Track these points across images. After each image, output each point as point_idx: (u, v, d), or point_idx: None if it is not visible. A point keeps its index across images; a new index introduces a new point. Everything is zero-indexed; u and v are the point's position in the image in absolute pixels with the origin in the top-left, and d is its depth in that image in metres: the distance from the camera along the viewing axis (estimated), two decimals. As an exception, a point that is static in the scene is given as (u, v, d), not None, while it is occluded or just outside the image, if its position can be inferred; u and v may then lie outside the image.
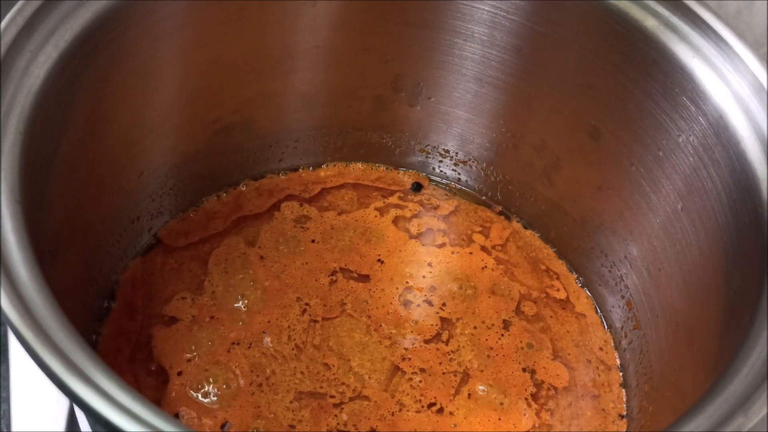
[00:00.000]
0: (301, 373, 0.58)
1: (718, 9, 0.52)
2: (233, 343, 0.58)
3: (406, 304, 0.62)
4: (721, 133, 0.50)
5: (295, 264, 0.63)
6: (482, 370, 0.59)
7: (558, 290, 0.65)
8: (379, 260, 0.64)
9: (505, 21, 0.59)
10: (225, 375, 0.57)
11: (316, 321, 0.60)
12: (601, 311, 0.64)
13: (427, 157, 0.70)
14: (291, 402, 0.56)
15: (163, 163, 0.62)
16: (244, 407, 0.56)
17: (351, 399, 0.57)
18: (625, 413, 0.60)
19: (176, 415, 0.55)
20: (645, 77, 0.54)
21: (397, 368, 0.59)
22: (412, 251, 0.65)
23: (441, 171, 0.71)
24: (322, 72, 0.64)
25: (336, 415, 0.56)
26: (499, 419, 0.58)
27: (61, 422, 0.57)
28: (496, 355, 0.60)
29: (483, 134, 0.67)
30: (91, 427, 0.54)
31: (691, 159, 0.53)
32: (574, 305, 0.64)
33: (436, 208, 0.69)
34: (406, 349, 0.60)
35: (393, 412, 0.57)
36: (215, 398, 0.56)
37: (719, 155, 0.51)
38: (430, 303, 0.63)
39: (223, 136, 0.65)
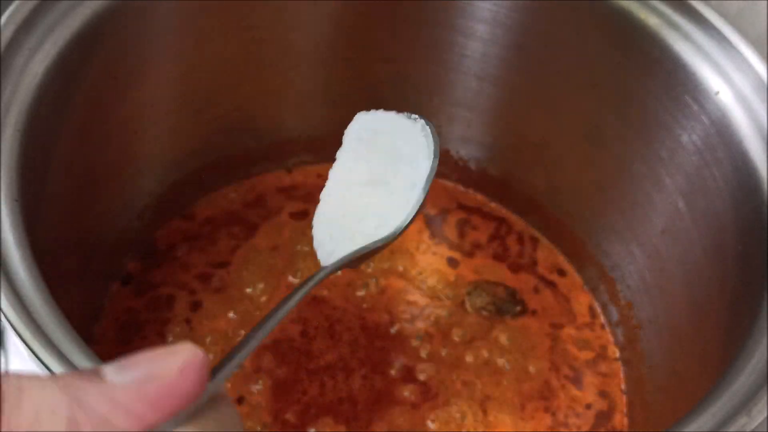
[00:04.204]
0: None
1: (721, 7, 0.52)
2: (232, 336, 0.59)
3: (402, 303, 0.62)
4: (723, 132, 0.50)
5: (295, 262, 0.63)
6: (484, 362, 0.59)
7: (558, 290, 0.65)
8: (379, 256, 0.64)
9: (506, 19, 0.58)
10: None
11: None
12: (602, 311, 0.64)
13: (427, 156, 0.70)
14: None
15: (162, 161, 0.62)
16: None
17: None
18: (625, 413, 0.59)
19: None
20: (647, 75, 0.54)
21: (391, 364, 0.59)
22: (409, 248, 0.65)
23: (441, 170, 0.70)
24: (321, 71, 0.64)
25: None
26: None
27: (60, 422, 0.57)
28: (499, 351, 0.60)
29: (483, 133, 0.67)
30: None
31: (693, 158, 0.53)
32: (574, 305, 0.64)
33: (435, 207, 0.68)
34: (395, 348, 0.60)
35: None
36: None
37: (722, 154, 0.50)
38: (427, 300, 0.62)
39: (223, 135, 0.64)
